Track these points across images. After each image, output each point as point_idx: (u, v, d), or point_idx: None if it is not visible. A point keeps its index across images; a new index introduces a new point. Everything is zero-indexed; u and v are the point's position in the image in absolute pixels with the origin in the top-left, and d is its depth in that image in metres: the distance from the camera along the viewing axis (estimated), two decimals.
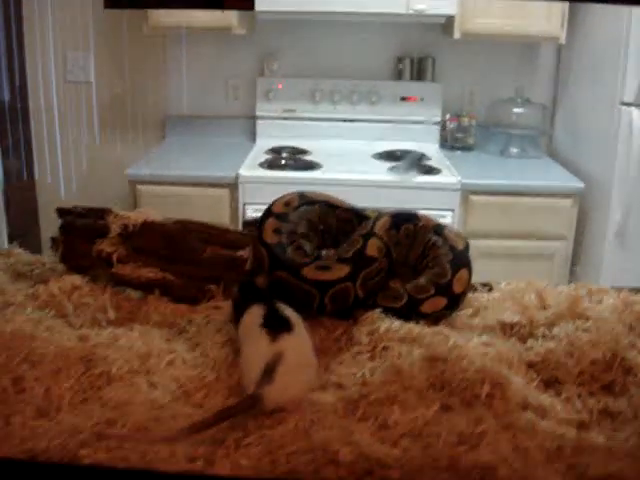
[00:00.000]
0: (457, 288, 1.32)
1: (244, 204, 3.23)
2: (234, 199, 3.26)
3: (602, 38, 3.26)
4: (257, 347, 1.11)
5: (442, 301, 1.30)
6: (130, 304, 1.36)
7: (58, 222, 1.48)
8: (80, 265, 1.42)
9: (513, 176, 3.36)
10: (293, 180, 3.19)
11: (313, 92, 3.70)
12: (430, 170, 3.36)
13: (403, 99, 3.72)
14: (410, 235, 1.39)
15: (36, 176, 3.22)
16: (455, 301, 1.32)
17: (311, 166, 3.37)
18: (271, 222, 1.35)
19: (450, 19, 3.39)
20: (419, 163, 3.41)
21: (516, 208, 3.24)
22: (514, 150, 3.62)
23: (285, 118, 3.75)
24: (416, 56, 3.73)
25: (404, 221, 1.40)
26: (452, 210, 3.21)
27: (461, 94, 3.76)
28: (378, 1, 3.30)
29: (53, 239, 1.48)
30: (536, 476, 0.94)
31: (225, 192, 3.27)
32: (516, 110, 3.61)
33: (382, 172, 3.31)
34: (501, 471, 0.93)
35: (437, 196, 3.22)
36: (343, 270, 1.27)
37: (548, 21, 3.36)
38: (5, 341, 1.17)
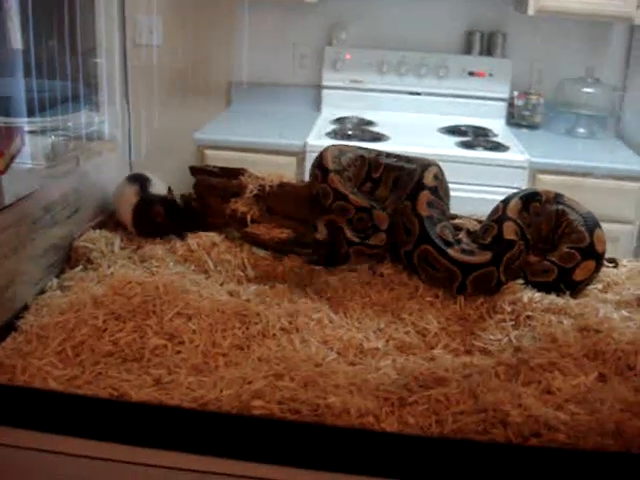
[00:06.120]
0: (599, 247, 1.34)
1: None
2: (301, 168, 3.26)
3: None
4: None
5: (591, 264, 1.32)
6: (265, 263, 1.38)
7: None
8: (213, 223, 1.44)
9: (581, 157, 3.32)
10: None
11: (380, 63, 3.67)
12: (497, 147, 3.34)
13: (471, 74, 3.68)
14: (538, 212, 1.40)
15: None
16: (600, 261, 1.34)
17: (378, 137, 3.36)
18: (425, 194, 1.36)
19: None
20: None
21: (582, 189, 3.18)
22: (581, 130, 3.58)
23: (351, 88, 3.73)
24: (486, 31, 3.69)
25: (531, 200, 1.41)
26: (519, 188, 3.19)
27: (530, 71, 3.71)
28: None
29: (184, 197, 1.49)
30: None
31: (292, 160, 3.27)
32: (585, 90, 3.55)
33: (449, 146, 3.29)
34: None
35: (504, 173, 3.19)
36: (486, 255, 1.29)
37: (624, 1, 3.31)
38: (159, 294, 1.19)
